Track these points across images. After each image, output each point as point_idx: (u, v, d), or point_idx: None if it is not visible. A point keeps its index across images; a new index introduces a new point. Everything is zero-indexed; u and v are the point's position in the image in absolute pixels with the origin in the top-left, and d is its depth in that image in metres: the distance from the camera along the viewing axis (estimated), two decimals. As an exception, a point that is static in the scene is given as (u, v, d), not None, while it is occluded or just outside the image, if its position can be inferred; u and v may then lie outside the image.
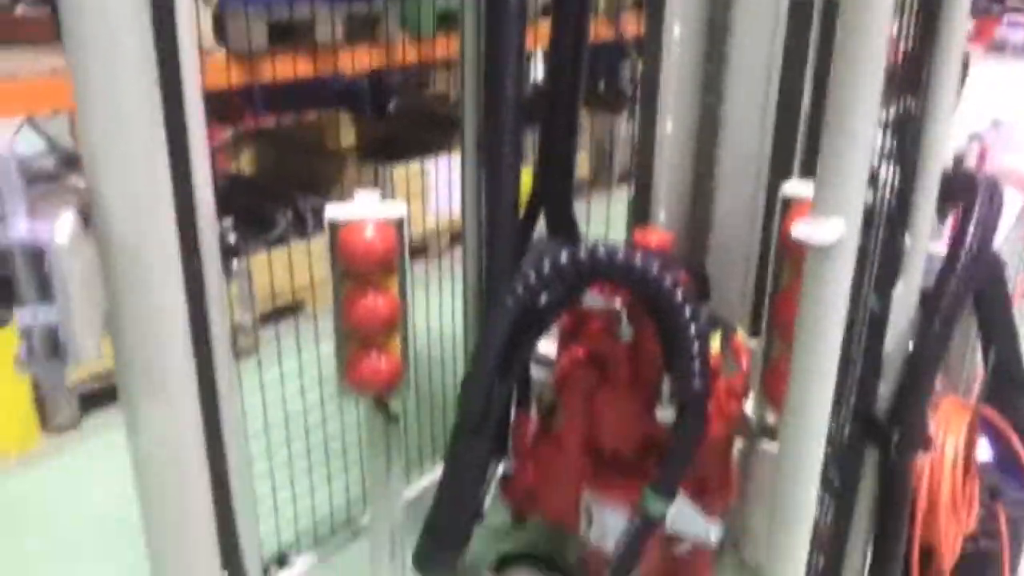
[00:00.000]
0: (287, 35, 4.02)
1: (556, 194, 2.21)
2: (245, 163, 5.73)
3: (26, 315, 0.67)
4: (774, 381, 1.47)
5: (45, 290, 0.66)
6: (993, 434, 2.02)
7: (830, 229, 0.93)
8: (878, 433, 1.45)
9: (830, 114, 0.92)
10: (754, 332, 1.68)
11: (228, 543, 1.77)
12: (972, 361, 2.09)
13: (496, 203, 2.01)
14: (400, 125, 5.99)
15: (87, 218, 0.73)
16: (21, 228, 0.66)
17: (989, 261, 1.94)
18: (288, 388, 2.11)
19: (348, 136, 5.91)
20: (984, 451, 2.07)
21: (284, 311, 4.08)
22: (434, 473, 2.11)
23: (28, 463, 3.30)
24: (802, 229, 0.94)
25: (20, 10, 4.90)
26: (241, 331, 4.11)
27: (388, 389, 1.79)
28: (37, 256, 0.66)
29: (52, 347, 0.68)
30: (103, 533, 2.11)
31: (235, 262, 1.79)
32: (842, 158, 0.92)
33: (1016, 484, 2.09)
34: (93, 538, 2.69)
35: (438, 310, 2.44)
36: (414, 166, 4.59)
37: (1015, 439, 1.95)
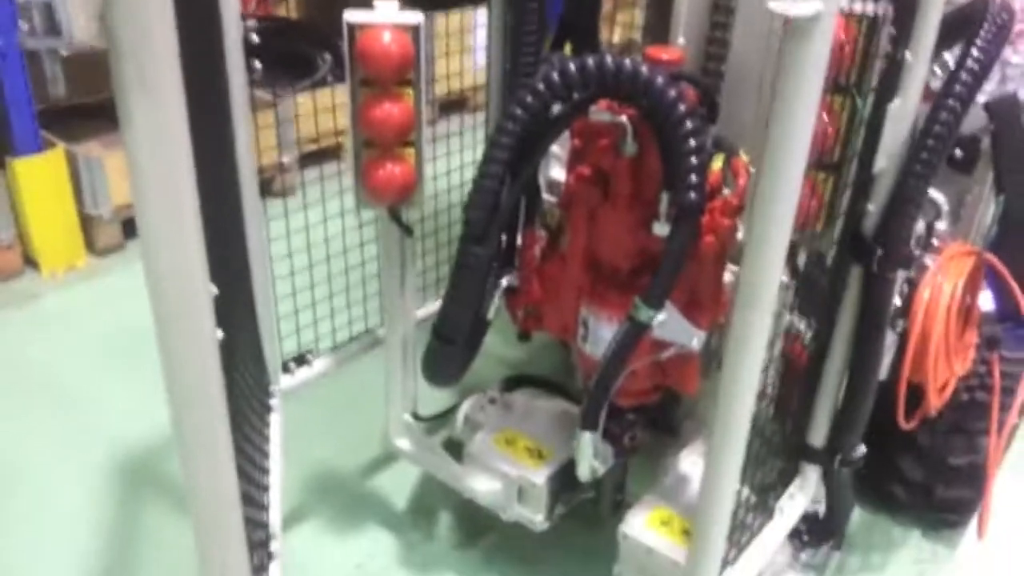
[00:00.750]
0: None
1: (582, 22, 2.21)
2: (290, 7, 5.70)
3: None
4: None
5: None
6: (997, 285, 2.03)
7: (807, 4, 0.94)
8: (863, 250, 1.48)
9: None
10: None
11: (250, 339, 1.90)
12: (986, 212, 2.09)
13: (521, 32, 2.02)
14: (448, -26, 5.88)
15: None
16: None
17: (1008, 102, 1.92)
18: (326, 226, 2.19)
19: (394, -19, 5.82)
20: (988, 302, 2.09)
21: (326, 153, 4.15)
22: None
23: (72, 280, 3.49)
24: (779, 3, 0.95)
25: None
26: (284, 171, 4.20)
27: (401, 198, 1.86)
28: None
29: (50, 24, 0.74)
30: (133, 340, 2.26)
31: (257, 63, 1.84)
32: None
33: (1016, 336, 2.11)
34: (124, 345, 2.87)
35: (472, 161, 2.47)
36: (458, 16, 4.51)
37: (1016, 289, 1.96)
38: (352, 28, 1.71)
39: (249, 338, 1.86)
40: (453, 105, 4.97)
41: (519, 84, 2.05)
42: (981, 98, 1.88)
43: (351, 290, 2.23)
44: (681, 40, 1.81)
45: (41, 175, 3.37)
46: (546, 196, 2.00)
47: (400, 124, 1.76)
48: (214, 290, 0.86)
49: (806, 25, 0.96)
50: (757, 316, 1.24)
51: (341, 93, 1.81)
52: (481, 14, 4.57)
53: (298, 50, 4.88)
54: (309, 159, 4.11)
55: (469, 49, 4.69)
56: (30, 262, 3.52)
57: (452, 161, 2.38)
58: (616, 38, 5.78)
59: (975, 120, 1.92)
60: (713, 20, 1.75)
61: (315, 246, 2.15)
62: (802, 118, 1.03)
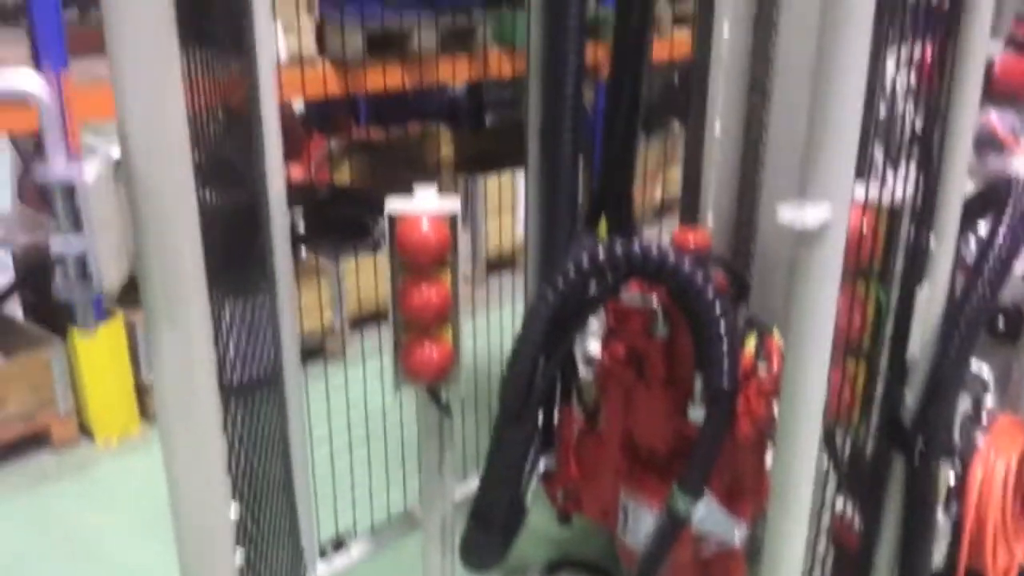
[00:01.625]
0: (384, 45, 4.17)
1: (616, 197, 2.27)
2: (344, 173, 5.96)
3: (59, 243, 0.79)
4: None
5: (78, 223, 0.77)
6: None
7: (815, 214, 0.95)
8: (903, 439, 1.44)
9: (815, 97, 0.94)
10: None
11: (285, 522, 1.89)
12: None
13: (555, 204, 2.09)
14: (496, 139, 6.13)
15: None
16: (59, 167, 0.77)
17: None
18: (361, 388, 2.22)
19: (445, 148, 6.08)
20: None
21: (372, 316, 4.24)
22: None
23: (126, 448, 3.53)
24: (786, 213, 0.97)
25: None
26: (331, 334, 4.29)
27: (439, 378, 1.88)
28: (71, 192, 0.77)
29: (82, 272, 0.79)
30: None
31: (303, 249, 1.92)
32: (827, 142, 0.94)
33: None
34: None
35: (511, 322, 2.50)
36: (504, 178, 4.69)
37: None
38: (392, 217, 1.79)
39: (284, 521, 1.86)
40: (504, 263, 5.09)
41: (553, 259, 2.11)
42: (1020, 269, 1.86)
43: (390, 467, 2.22)
44: (711, 218, 1.83)
45: (101, 346, 3.49)
46: (583, 371, 2.00)
47: (437, 307, 1.79)
48: (234, 515, 0.87)
49: (816, 233, 0.97)
50: (794, 510, 1.20)
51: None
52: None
53: (352, 215, 5.08)
54: (360, 322, 4.19)
55: (515, 210, 4.84)
56: (85, 430, 3.59)
57: (497, 318, 2.39)
58: (659, 193, 5.91)
59: (1016, 289, 1.89)
60: (740, 200, 1.78)
61: (356, 424, 2.17)
62: (820, 323, 1.03)
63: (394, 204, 1.80)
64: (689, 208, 1.88)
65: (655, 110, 5.98)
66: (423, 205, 1.79)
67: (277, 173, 1.80)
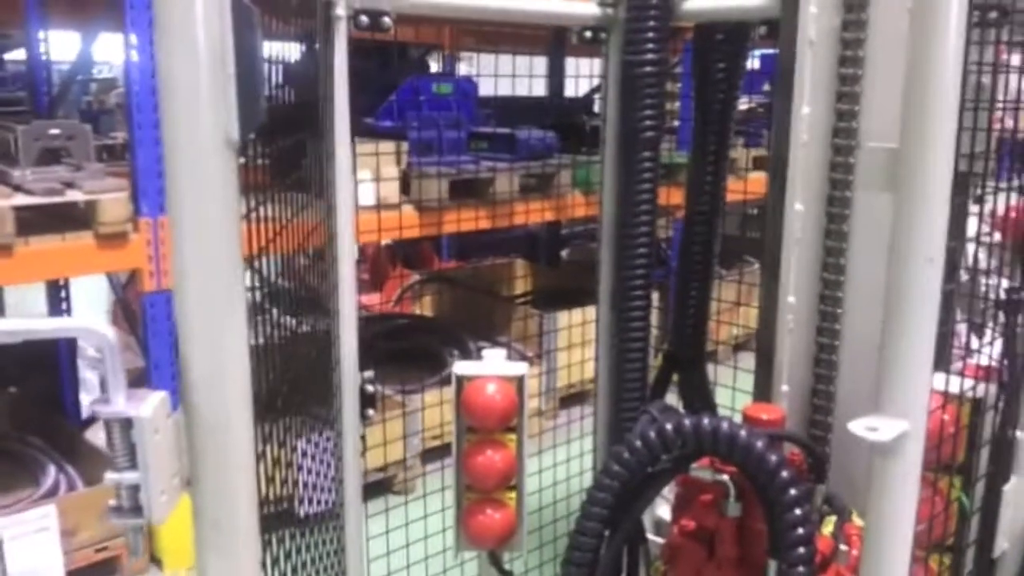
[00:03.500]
0: (468, 191, 4.32)
1: (688, 356, 2.24)
2: (426, 304, 6.08)
3: (113, 476, 0.81)
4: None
5: (133, 457, 0.80)
6: None
7: (890, 429, 0.92)
8: (996, 642, 1.33)
9: (888, 308, 0.92)
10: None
11: None
12: None
13: (625, 360, 2.08)
14: (572, 273, 6.20)
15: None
16: (119, 404, 0.80)
17: None
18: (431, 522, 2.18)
19: (522, 282, 6.17)
20: None
21: (444, 450, 4.22)
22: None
23: (195, 580, 3.54)
24: (859, 427, 0.93)
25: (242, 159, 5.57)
26: (400, 468, 4.27)
27: (501, 544, 1.84)
28: (127, 426, 0.80)
29: (134, 505, 0.81)
30: None
31: (371, 412, 1.93)
32: (903, 359, 0.92)
33: None
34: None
35: (565, 465, 2.47)
36: (579, 313, 4.70)
37: None
38: (460, 378, 1.79)
39: None
40: (575, 399, 5.05)
41: (623, 400, 2.08)
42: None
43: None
44: (784, 387, 1.79)
45: (177, 475, 3.55)
46: (652, 537, 1.93)
47: (502, 471, 1.78)
48: None
49: (891, 446, 0.93)
50: None
51: None
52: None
53: (427, 346, 5.14)
54: (431, 454, 4.18)
55: (590, 343, 4.83)
56: (155, 560, 3.62)
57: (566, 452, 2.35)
58: (735, 332, 5.83)
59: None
60: (816, 372, 1.73)
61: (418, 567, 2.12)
62: (899, 530, 0.98)
63: (461, 366, 1.81)
64: (764, 373, 1.83)
65: (729, 245, 5.98)
66: (490, 368, 1.80)
67: (350, 320, 1.83)
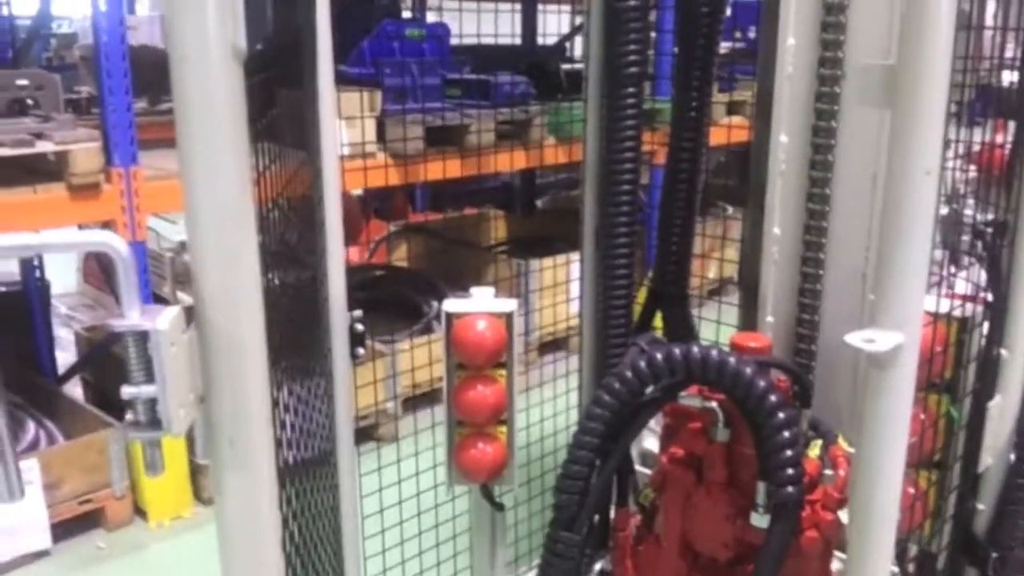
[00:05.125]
0: (443, 139, 4.29)
1: (672, 293, 2.27)
2: (401, 255, 6.06)
3: (131, 390, 0.81)
4: (869, 492, 1.43)
5: (149, 370, 0.80)
6: None
7: (886, 340, 0.94)
8: (976, 552, 1.38)
9: (885, 221, 0.94)
10: (854, 441, 1.64)
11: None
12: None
13: (610, 299, 2.10)
14: (547, 222, 6.20)
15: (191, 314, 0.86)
16: (133, 317, 0.80)
17: None
18: (415, 470, 2.21)
19: (497, 232, 6.17)
20: None
21: (424, 398, 4.25)
22: (541, 568, 2.14)
23: (178, 530, 3.56)
24: (856, 338, 0.96)
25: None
26: (383, 415, 4.30)
27: (493, 477, 1.86)
28: (143, 340, 0.80)
29: (151, 418, 0.81)
30: None
31: (360, 350, 1.93)
32: (899, 271, 0.94)
33: None
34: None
35: (561, 401, 2.50)
36: (556, 261, 4.72)
37: None
38: (449, 315, 1.80)
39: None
40: (555, 344, 5.08)
41: (607, 346, 2.10)
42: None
43: (441, 559, 2.20)
44: (770, 318, 1.82)
45: (158, 427, 3.54)
46: (640, 469, 1.96)
47: (493, 406, 1.79)
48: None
49: (887, 357, 0.96)
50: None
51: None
52: (576, 256, 4.77)
53: (406, 297, 5.15)
54: (413, 403, 4.21)
55: (567, 290, 4.86)
56: (139, 511, 3.63)
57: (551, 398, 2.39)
58: (712, 274, 5.90)
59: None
60: (801, 301, 1.76)
61: (408, 510, 2.15)
62: (893, 441, 1.01)
63: (451, 303, 1.82)
64: (748, 306, 1.86)
65: (709, 192, 6.00)
66: (479, 305, 1.80)
67: (338, 263, 1.82)
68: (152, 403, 0.79)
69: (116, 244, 0.78)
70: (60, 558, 3.36)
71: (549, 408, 2.41)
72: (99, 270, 5.28)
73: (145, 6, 10.74)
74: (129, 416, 0.81)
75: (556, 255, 4.76)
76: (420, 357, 3.89)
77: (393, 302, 5.05)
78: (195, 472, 3.69)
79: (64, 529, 3.43)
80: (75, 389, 4.31)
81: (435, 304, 5.02)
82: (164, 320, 0.78)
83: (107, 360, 4.10)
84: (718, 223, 5.91)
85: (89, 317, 5.70)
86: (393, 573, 2.13)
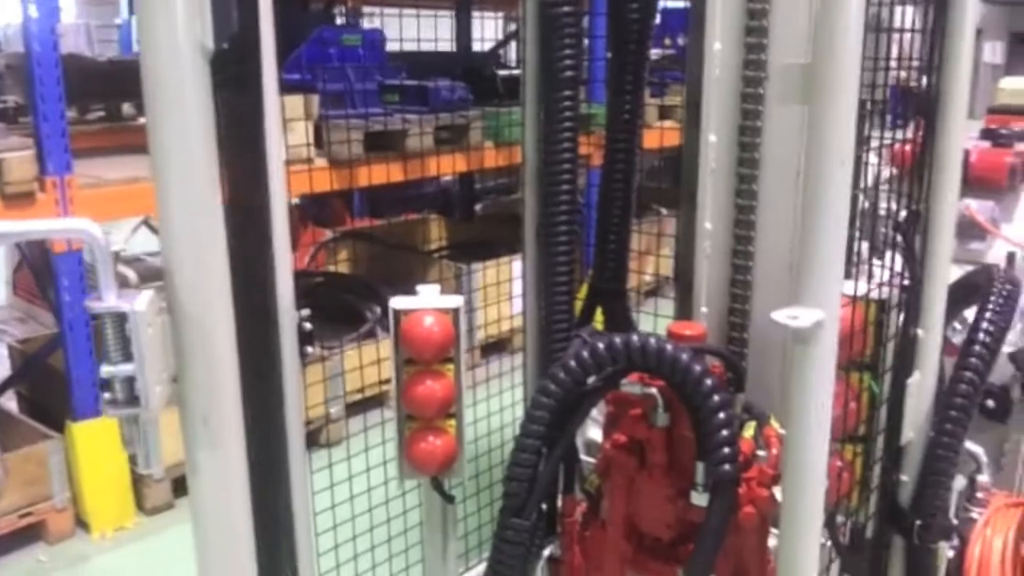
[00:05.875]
0: (382, 144, 4.32)
1: (611, 290, 2.34)
2: (342, 261, 6.06)
3: (109, 368, 0.85)
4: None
5: (126, 350, 0.83)
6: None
7: (807, 316, 1.02)
8: (902, 520, 1.48)
9: (806, 208, 1.02)
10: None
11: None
12: (1031, 459, 2.07)
13: (552, 296, 2.16)
14: (486, 226, 6.27)
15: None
16: (111, 300, 0.84)
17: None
18: (358, 469, 2.25)
19: (437, 236, 6.21)
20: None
21: (368, 402, 4.27)
22: (491, 560, 2.20)
23: (121, 540, 3.52)
24: (781, 315, 1.04)
25: (143, 120, 5.42)
26: (331, 421, 4.30)
27: (443, 469, 1.91)
28: (121, 321, 0.84)
29: (129, 396, 0.85)
30: None
31: (309, 348, 1.96)
32: (819, 252, 1.02)
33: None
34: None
35: (503, 399, 2.56)
36: (496, 264, 4.79)
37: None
38: (397, 312, 1.84)
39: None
40: (498, 346, 5.14)
41: (551, 345, 2.17)
42: (1007, 349, 1.93)
43: (393, 555, 2.24)
44: (704, 309, 1.90)
45: (98, 438, 3.50)
46: (585, 458, 2.03)
47: (442, 400, 1.84)
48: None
49: (809, 333, 1.04)
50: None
51: (388, 345, 1.91)
52: (519, 262, 4.84)
53: (347, 303, 5.15)
54: (355, 408, 4.22)
55: (508, 295, 4.93)
56: (80, 523, 3.58)
57: (496, 400, 2.45)
58: (648, 274, 6.02)
59: (1003, 370, 1.96)
60: (732, 292, 1.85)
61: (359, 511, 2.19)
62: (818, 413, 1.09)
63: (398, 300, 1.86)
64: (684, 298, 1.95)
65: (643, 195, 6.11)
66: (426, 301, 1.85)
67: (285, 262, 1.85)
68: (130, 381, 0.83)
69: (92, 230, 0.82)
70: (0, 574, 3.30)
71: (495, 403, 2.47)
72: (32, 281, 5.17)
73: (71, 14, 10.53)
74: (107, 395, 0.85)
75: (497, 258, 4.83)
76: (365, 362, 3.91)
77: (335, 308, 5.05)
78: (137, 482, 3.65)
79: (3, 543, 3.37)
80: (9, 403, 4.22)
81: (377, 309, 5.04)
82: (142, 302, 0.82)
83: (43, 372, 4.03)
84: (653, 225, 6.04)
85: (20, 330, 5.58)
86: (346, 568, 2.16)
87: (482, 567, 2.23)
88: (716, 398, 1.51)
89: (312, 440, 4.05)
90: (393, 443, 1.92)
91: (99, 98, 5.14)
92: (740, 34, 1.79)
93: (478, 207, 6.80)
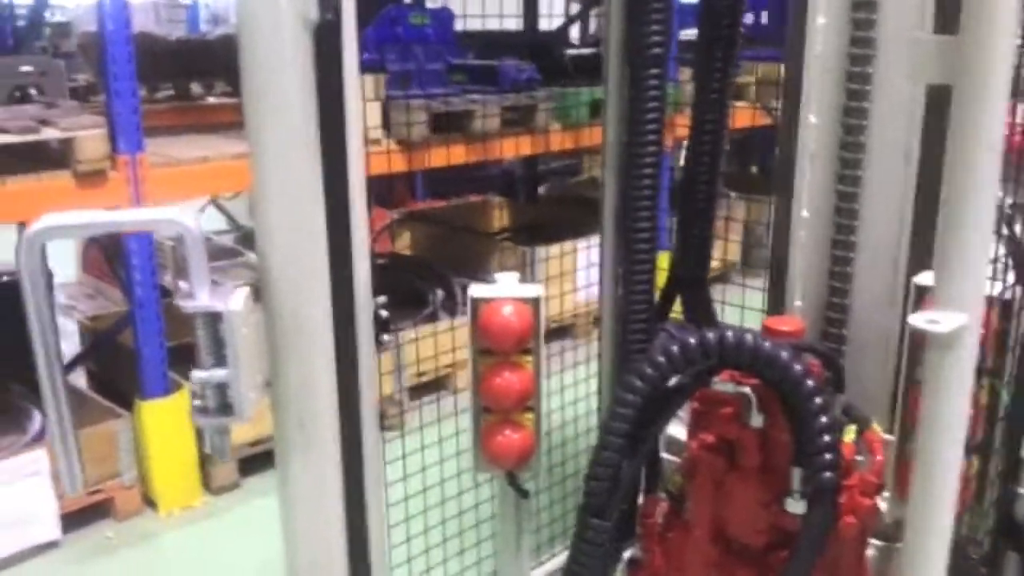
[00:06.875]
0: (448, 125, 4.25)
1: (692, 278, 2.24)
2: (404, 243, 6.03)
3: (201, 375, 0.78)
4: (908, 478, 1.41)
5: (219, 353, 0.77)
6: None
7: (949, 321, 0.92)
8: (1018, 537, 1.37)
9: (946, 207, 0.92)
10: (892, 427, 1.63)
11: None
12: None
13: (632, 284, 2.07)
14: (550, 209, 6.18)
15: (257, 292, 0.83)
16: (203, 298, 0.77)
17: None
18: (429, 459, 2.19)
19: (500, 219, 6.14)
20: None
21: (429, 386, 4.23)
22: (564, 556, 2.12)
23: (188, 519, 3.54)
24: (920, 319, 0.94)
25: (211, 99, 5.44)
26: (391, 404, 4.27)
27: (520, 465, 1.84)
28: (214, 322, 0.77)
29: (221, 404, 0.78)
30: None
31: (386, 336, 1.91)
32: (961, 250, 0.92)
33: None
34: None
35: (573, 390, 2.48)
36: (561, 248, 4.70)
37: None
38: (475, 301, 1.77)
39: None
40: (560, 332, 5.06)
41: (628, 334, 2.07)
42: None
43: (465, 553, 2.18)
44: (798, 302, 1.80)
45: (166, 417, 3.52)
46: (665, 456, 1.95)
47: (520, 393, 1.77)
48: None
49: (950, 338, 0.94)
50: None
51: (451, 327, 1.85)
52: (584, 245, 4.75)
53: (411, 285, 5.12)
54: (419, 391, 4.19)
55: (572, 278, 4.84)
56: (148, 501, 3.61)
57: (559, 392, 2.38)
58: (714, 261, 5.88)
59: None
60: (831, 285, 1.74)
61: (431, 504, 2.14)
62: (954, 423, 0.99)
63: (477, 288, 1.79)
64: (776, 289, 1.84)
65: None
66: (505, 290, 1.78)
67: (363, 248, 1.79)
68: (222, 388, 0.77)
69: (186, 222, 0.76)
70: (70, 548, 3.34)
71: (569, 395, 2.39)
72: (101, 258, 5.24)
73: (140, -7, 10.67)
74: (196, 402, 0.79)
75: (561, 241, 4.74)
76: (425, 345, 3.87)
77: (397, 290, 5.02)
78: (204, 462, 3.67)
79: (73, 520, 3.41)
80: (79, 379, 4.28)
81: (439, 292, 5.00)
82: (237, 300, 0.75)
83: (113, 349, 4.07)
84: (721, 208, 5.88)
85: (89, 307, 5.66)
86: (418, 562, 2.11)
87: (554, 562, 2.17)
88: (818, 400, 1.42)
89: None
90: (465, 433, 1.87)
91: (168, 77, 5.17)
92: (847, 7, 1.67)
93: (542, 189, 6.70)
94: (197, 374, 0.79)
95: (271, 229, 0.75)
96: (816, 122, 1.72)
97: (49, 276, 4.50)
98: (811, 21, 1.71)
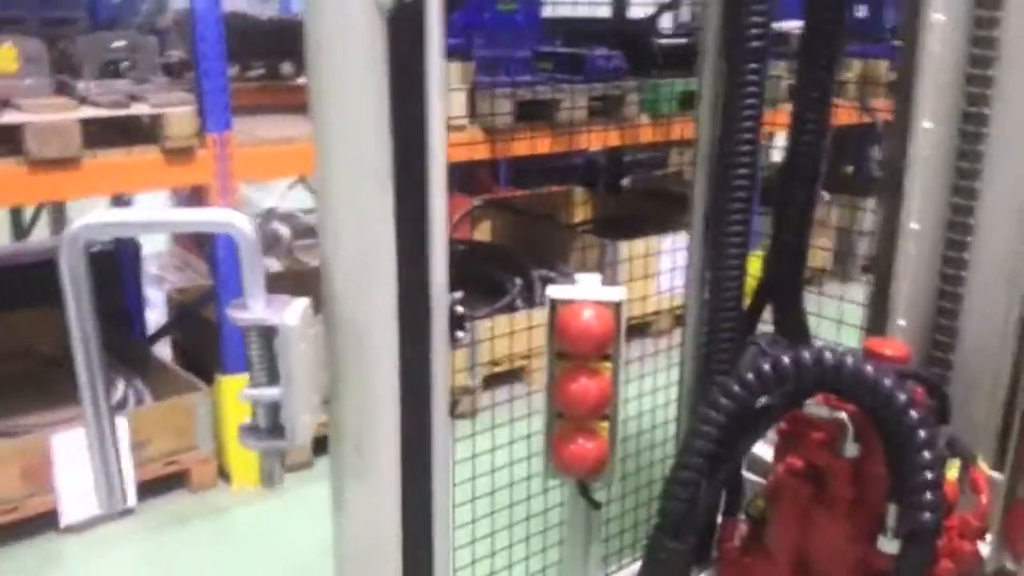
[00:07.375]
0: (533, 113, 4.17)
1: (785, 285, 2.13)
2: (484, 231, 5.99)
3: (252, 392, 0.72)
4: (1017, 524, 1.29)
5: (273, 370, 0.70)
6: None
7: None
8: None
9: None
10: (999, 464, 1.50)
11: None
12: None
13: (720, 291, 1.97)
14: (633, 202, 6.04)
15: (317, 304, 0.77)
16: (257, 310, 0.71)
17: None
18: (499, 457, 2.14)
19: (582, 210, 6.03)
20: None
21: (502, 377, 4.18)
22: (633, 568, 2.04)
23: (260, 496, 3.57)
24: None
25: (301, 79, 5.47)
26: (465, 394, 4.24)
27: (592, 475, 1.77)
28: (268, 336, 0.71)
29: (273, 425, 0.72)
30: (316, 559, 2.23)
31: (460, 333, 1.85)
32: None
33: None
34: (306, 563, 2.87)
35: (651, 395, 2.39)
36: (643, 243, 4.59)
37: None
38: (554, 302, 1.70)
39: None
40: (637, 329, 4.95)
41: (714, 335, 1.97)
42: None
43: (531, 559, 2.12)
44: (901, 322, 1.67)
45: (243, 394, 3.55)
46: (748, 475, 1.85)
47: (596, 399, 1.70)
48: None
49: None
50: None
51: (528, 318, 1.78)
52: (667, 241, 4.62)
53: (490, 274, 5.06)
54: (492, 380, 4.15)
55: (653, 275, 4.72)
56: (223, 474, 3.65)
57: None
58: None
59: None
60: (939, 305, 1.61)
61: (499, 506, 2.08)
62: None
63: (555, 289, 1.72)
64: (877, 307, 1.72)
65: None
66: (586, 292, 1.70)
67: (441, 241, 1.73)
68: (274, 407, 0.71)
69: (240, 224, 0.70)
70: (145, 516, 3.40)
71: (647, 402, 2.30)
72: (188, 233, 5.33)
73: (236, -28, 10.84)
74: (247, 420, 0.73)
75: (644, 236, 4.62)
76: (501, 335, 3.81)
77: (476, 279, 4.97)
78: (277, 440, 3.69)
79: (149, 488, 3.47)
80: (164, 349, 4.36)
81: (518, 281, 4.93)
82: (293, 314, 0.69)
83: (197, 322, 4.13)
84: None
85: (178, 278, 5.79)
86: (482, 565, 2.06)
87: (622, 574, 2.09)
88: (922, 433, 1.31)
89: (449, 412, 4.00)
90: (538, 436, 1.80)
91: (259, 56, 5.20)
92: (968, 4, 1.54)
93: (625, 181, 6.56)
94: (248, 391, 0.73)
95: (336, 235, 0.68)
96: (930, 127, 1.59)
97: (136, 247, 4.61)
98: (925, 19, 1.57)
